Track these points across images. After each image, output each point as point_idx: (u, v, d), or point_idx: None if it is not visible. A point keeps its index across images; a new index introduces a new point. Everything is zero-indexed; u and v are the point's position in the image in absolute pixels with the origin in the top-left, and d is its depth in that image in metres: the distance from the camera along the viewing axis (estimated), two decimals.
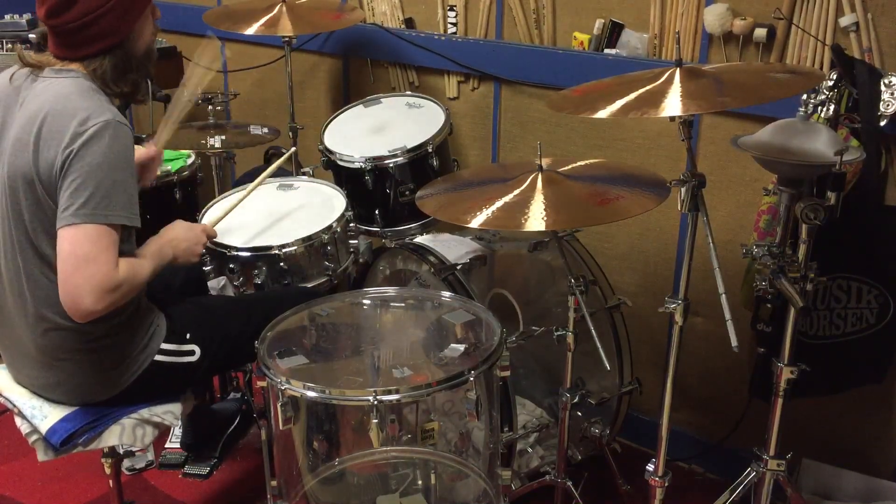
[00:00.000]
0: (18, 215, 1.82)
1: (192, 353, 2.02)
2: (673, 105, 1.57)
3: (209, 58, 2.30)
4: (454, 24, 2.84)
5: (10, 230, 1.85)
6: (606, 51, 2.50)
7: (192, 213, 2.62)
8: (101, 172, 1.74)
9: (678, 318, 1.79)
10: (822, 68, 2.14)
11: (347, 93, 3.25)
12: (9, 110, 1.88)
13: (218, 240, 2.28)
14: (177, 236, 2.03)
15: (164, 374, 1.99)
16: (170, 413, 2.02)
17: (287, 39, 2.83)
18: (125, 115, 3.58)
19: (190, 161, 2.91)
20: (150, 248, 1.95)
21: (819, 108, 1.96)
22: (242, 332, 2.03)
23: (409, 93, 2.90)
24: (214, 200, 2.49)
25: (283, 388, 1.73)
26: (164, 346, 1.98)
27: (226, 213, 2.34)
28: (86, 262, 1.73)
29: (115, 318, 1.87)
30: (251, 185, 2.44)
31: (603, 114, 1.61)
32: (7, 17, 3.50)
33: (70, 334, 1.88)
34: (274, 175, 2.67)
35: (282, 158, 2.62)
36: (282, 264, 2.25)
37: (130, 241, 1.88)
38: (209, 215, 2.38)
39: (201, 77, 2.30)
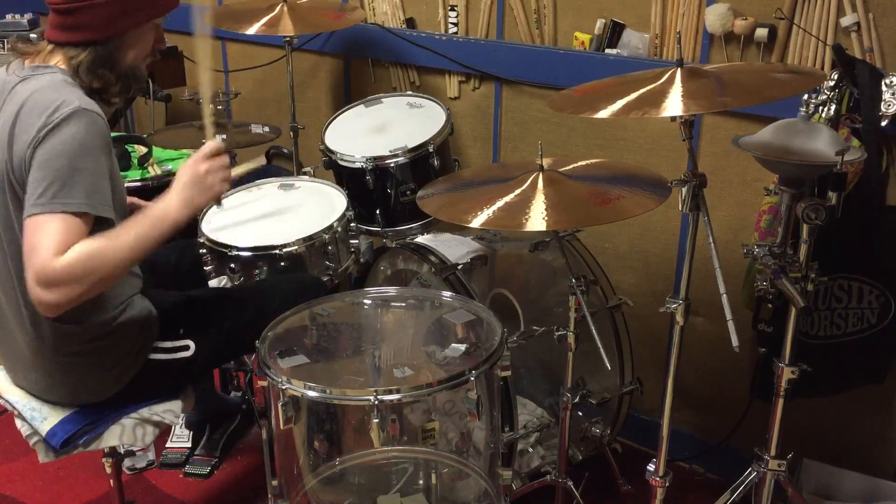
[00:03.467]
0: (6, 217, 1.81)
1: (186, 347, 2.00)
2: (674, 105, 1.57)
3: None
4: (455, 24, 2.84)
5: (1, 232, 1.84)
6: (607, 51, 2.50)
7: None
8: (61, 160, 1.68)
9: (679, 317, 1.79)
10: (823, 68, 2.14)
11: (348, 92, 3.25)
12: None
13: (218, 239, 2.28)
14: (182, 182, 1.83)
15: (161, 372, 1.99)
16: (170, 412, 2.02)
17: (288, 39, 2.83)
18: (125, 116, 3.59)
19: None
20: (131, 224, 1.76)
21: (820, 108, 1.95)
22: (236, 322, 2.02)
23: (410, 92, 2.90)
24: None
25: (283, 387, 1.73)
26: (159, 343, 1.97)
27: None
28: (30, 252, 1.66)
29: (111, 318, 1.86)
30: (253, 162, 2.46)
31: (604, 114, 1.61)
32: (8, 16, 3.50)
33: (64, 336, 1.87)
34: (275, 175, 2.67)
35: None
36: (283, 264, 2.25)
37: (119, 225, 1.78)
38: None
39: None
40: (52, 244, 1.64)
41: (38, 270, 1.64)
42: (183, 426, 2.75)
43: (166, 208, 1.81)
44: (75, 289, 1.67)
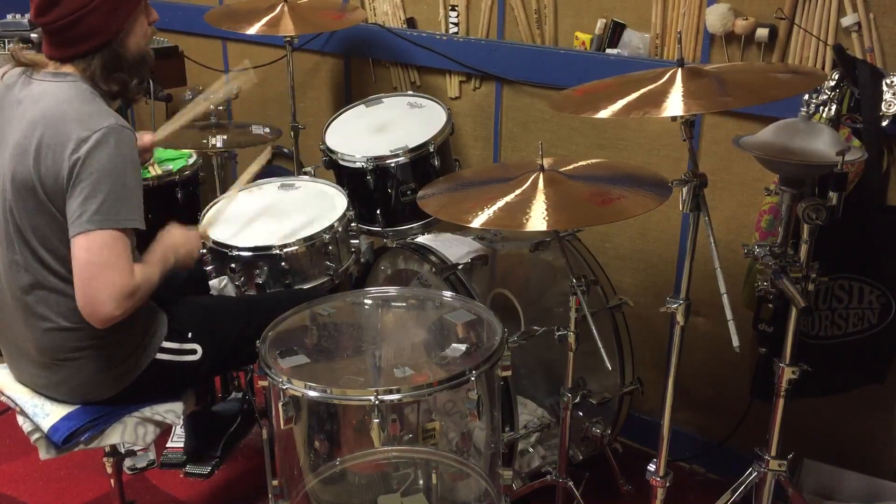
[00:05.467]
0: (20, 219, 1.82)
1: (193, 352, 2.02)
2: (675, 105, 1.57)
3: (241, 82, 2.43)
4: (456, 24, 2.84)
5: (10, 232, 1.85)
6: (608, 51, 2.50)
7: (193, 212, 2.63)
8: (110, 178, 1.75)
9: (679, 318, 1.79)
10: (823, 68, 2.14)
11: (349, 92, 3.25)
12: (2, 111, 1.88)
13: (219, 239, 2.28)
14: (175, 242, 2.04)
15: (165, 373, 2.00)
16: (171, 412, 2.02)
17: (289, 39, 2.83)
18: (126, 114, 3.59)
19: (191, 160, 2.91)
20: (155, 255, 1.96)
21: (821, 108, 1.95)
22: (244, 332, 2.03)
23: (410, 92, 2.90)
24: (216, 200, 2.50)
25: (284, 387, 1.73)
26: (166, 344, 1.99)
27: (218, 212, 2.38)
28: (104, 269, 1.75)
29: None
30: (243, 177, 2.47)
31: (605, 114, 1.61)
32: (9, 16, 3.50)
33: (70, 334, 1.88)
34: (276, 175, 2.67)
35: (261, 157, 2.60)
36: (283, 264, 2.25)
37: (134, 243, 1.88)
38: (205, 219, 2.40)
39: (224, 93, 2.39)
40: (127, 260, 1.78)
41: (122, 286, 1.76)
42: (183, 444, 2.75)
43: (167, 260, 1.98)
44: (137, 302, 1.82)
